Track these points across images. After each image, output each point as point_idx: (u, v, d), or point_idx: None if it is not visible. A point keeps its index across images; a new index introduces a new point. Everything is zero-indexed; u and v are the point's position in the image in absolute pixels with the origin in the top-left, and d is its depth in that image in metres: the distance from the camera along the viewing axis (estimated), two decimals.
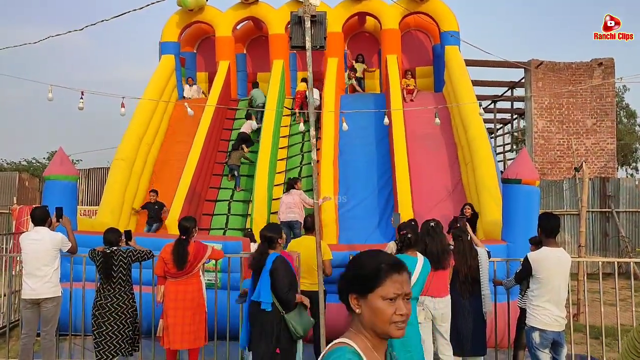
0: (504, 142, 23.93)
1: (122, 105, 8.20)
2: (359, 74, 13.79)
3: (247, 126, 12.50)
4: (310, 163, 11.63)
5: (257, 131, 12.28)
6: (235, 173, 11.64)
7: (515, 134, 23.19)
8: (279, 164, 11.72)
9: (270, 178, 10.54)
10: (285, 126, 12.69)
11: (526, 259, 5.06)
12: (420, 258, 5.19)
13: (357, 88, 13.76)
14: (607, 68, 18.41)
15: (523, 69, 19.36)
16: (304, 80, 13.25)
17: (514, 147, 23.22)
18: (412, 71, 13.56)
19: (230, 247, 7.61)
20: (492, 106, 22.57)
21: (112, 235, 6.04)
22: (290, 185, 9.73)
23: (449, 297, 5.53)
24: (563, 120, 18.80)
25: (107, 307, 5.89)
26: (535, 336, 4.97)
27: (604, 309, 6.60)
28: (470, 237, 6.09)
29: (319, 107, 12.27)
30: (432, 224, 5.59)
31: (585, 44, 67.64)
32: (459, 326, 5.78)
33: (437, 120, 10.19)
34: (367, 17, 14.19)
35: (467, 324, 5.83)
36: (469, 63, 18.84)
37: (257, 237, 8.78)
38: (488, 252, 6.10)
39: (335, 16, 13.19)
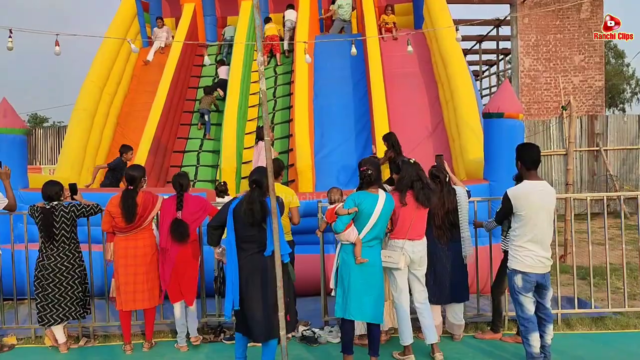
0: (490, 84, 23.27)
1: (57, 44, 7.43)
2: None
3: (224, 71, 11.68)
4: (285, 108, 10.99)
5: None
6: (206, 118, 10.95)
7: (502, 74, 22.50)
8: (250, 111, 11.05)
9: (239, 125, 9.88)
10: (256, 71, 11.92)
11: (505, 196, 4.55)
12: (382, 195, 4.69)
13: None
14: (596, 0, 17.62)
15: (509, 5, 18.57)
16: (268, 20, 12.44)
17: None
18: (391, 7, 12.73)
19: None
20: (477, 47, 21.81)
21: (51, 189, 5.46)
22: (259, 136, 8.98)
23: (425, 239, 5.06)
24: (550, 58, 18.15)
25: (50, 268, 5.37)
26: (518, 280, 4.51)
27: (592, 249, 6.18)
28: (449, 176, 5.56)
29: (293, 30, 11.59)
30: (411, 160, 5.06)
31: None
32: (437, 273, 5.32)
33: (410, 48, 9.54)
34: None
35: (446, 270, 5.36)
36: (451, 0, 18.00)
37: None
38: (468, 192, 5.58)
39: None
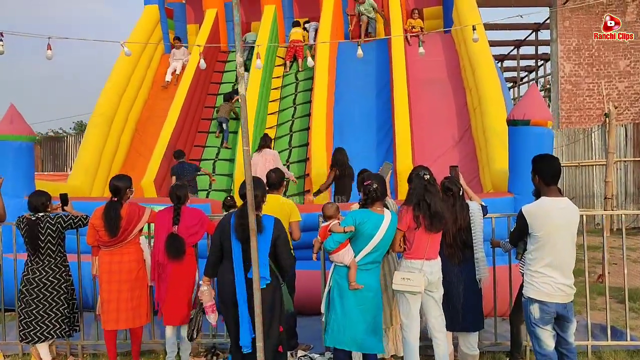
0: None
1: (49, 48, 7.22)
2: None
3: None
4: (304, 116, 10.58)
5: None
6: (224, 126, 10.66)
7: (542, 79, 21.55)
8: (269, 119, 10.70)
9: (256, 133, 9.53)
10: (277, 77, 11.59)
11: (520, 213, 3.98)
12: (387, 216, 4.19)
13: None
14: None
15: (548, 9, 17.73)
16: (296, 24, 12.07)
17: (544, 93, 21.50)
18: (419, 10, 12.21)
19: None
20: (514, 52, 20.99)
21: (36, 199, 5.17)
22: (264, 143, 8.46)
23: (439, 258, 4.55)
24: (593, 63, 17.20)
25: (35, 283, 5.08)
26: (534, 310, 3.94)
27: (632, 269, 5.50)
28: (463, 189, 5.02)
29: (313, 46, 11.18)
30: (426, 175, 4.49)
31: None
32: (448, 296, 4.77)
33: (421, 50, 9.08)
34: None
35: (458, 293, 4.82)
36: (486, 3, 17.32)
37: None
38: (484, 207, 5.02)
39: None
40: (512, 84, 22.93)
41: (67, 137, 20.14)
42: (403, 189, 6.74)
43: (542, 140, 6.38)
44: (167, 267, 4.98)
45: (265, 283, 3.98)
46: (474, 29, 8.11)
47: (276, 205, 5.19)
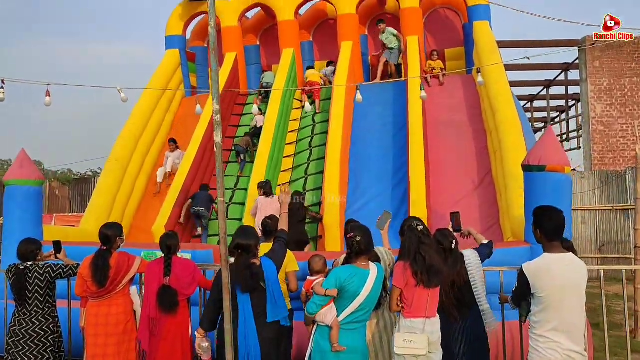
0: (561, 131, 21.73)
1: (47, 94, 7.24)
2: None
3: (262, 121, 11.35)
4: (320, 159, 10.38)
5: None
6: (242, 157, 10.64)
7: (575, 119, 20.96)
8: (285, 161, 10.54)
9: (269, 175, 9.37)
10: (295, 120, 11.49)
11: (521, 272, 3.64)
12: (373, 271, 3.91)
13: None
14: None
15: (577, 49, 17.35)
16: (310, 67, 12.06)
17: (577, 134, 20.81)
18: (439, 52, 12.05)
19: (198, 256, 6.49)
20: (544, 93, 20.53)
21: (25, 247, 5.06)
22: (269, 190, 8.68)
23: (438, 316, 4.22)
24: (626, 103, 16.69)
25: (21, 334, 4.92)
26: None
27: None
28: (455, 242, 4.68)
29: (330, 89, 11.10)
30: (420, 226, 4.23)
31: None
32: (451, 353, 4.40)
33: (423, 94, 8.89)
34: None
35: (461, 350, 4.44)
36: (512, 45, 17.08)
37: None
38: (487, 245, 4.77)
39: None
40: (542, 124, 22.43)
41: (93, 178, 20.46)
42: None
43: (560, 186, 6.04)
44: (159, 322, 4.77)
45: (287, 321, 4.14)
46: (478, 71, 7.85)
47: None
